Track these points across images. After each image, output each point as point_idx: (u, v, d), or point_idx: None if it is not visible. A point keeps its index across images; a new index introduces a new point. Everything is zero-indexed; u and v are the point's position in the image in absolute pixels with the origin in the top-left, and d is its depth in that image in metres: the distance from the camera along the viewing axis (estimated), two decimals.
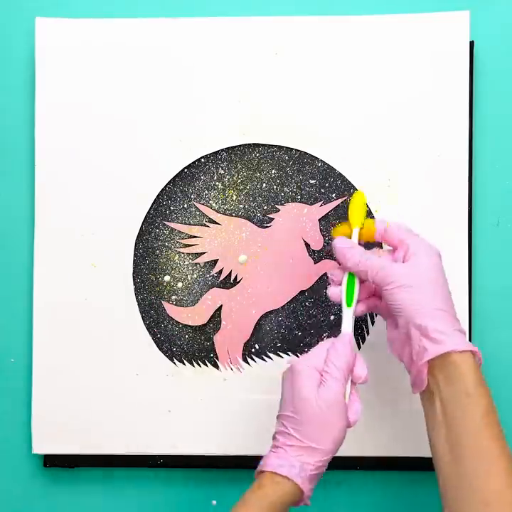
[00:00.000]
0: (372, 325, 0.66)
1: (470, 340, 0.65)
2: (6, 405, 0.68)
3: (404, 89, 0.66)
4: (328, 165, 0.66)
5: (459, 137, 0.65)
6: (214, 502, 0.67)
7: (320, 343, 0.56)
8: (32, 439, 0.66)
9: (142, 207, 0.67)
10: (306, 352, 0.56)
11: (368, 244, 0.58)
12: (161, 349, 0.67)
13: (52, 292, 0.66)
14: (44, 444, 0.66)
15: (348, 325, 0.55)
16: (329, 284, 0.58)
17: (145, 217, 0.67)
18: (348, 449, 0.65)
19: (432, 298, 0.52)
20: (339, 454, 0.65)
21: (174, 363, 0.67)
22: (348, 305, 0.56)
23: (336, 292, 0.56)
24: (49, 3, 0.68)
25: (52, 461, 0.67)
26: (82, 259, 0.66)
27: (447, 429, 0.51)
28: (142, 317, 0.67)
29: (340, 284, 0.56)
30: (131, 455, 0.66)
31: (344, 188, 0.66)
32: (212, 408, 0.66)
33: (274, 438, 0.54)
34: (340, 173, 0.66)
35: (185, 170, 0.67)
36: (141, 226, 0.67)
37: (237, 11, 0.67)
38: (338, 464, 0.66)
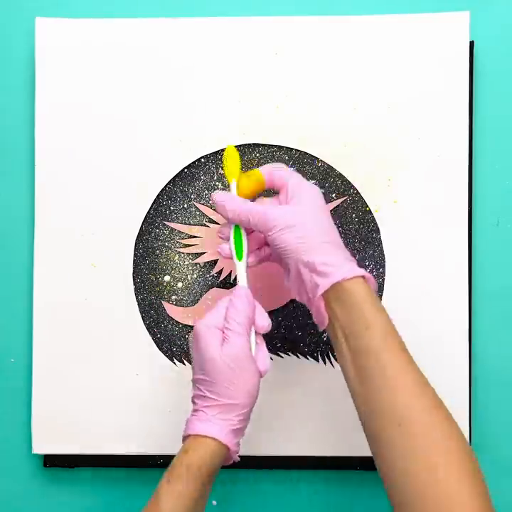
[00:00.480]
0: None
1: (469, 341, 0.65)
2: (6, 405, 0.68)
3: (404, 89, 0.66)
4: (328, 165, 0.66)
5: (459, 137, 0.66)
6: (214, 502, 0.67)
7: (218, 301, 0.55)
8: (32, 439, 0.66)
9: (142, 207, 0.67)
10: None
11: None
12: (161, 349, 0.67)
13: (52, 292, 0.66)
14: (44, 444, 0.66)
15: (242, 278, 0.56)
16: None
17: (145, 217, 0.67)
18: (349, 449, 0.66)
19: (315, 233, 0.52)
20: (339, 454, 0.66)
21: (174, 363, 0.67)
22: (239, 258, 0.56)
23: (225, 248, 0.56)
24: (49, 3, 0.68)
25: (52, 461, 0.67)
26: (82, 259, 0.66)
27: (352, 355, 0.51)
28: (142, 317, 0.67)
29: (229, 240, 0.56)
30: (131, 455, 0.66)
31: (344, 188, 0.66)
32: None
33: (192, 402, 0.54)
34: (340, 173, 0.66)
35: (185, 170, 0.67)
36: (141, 226, 0.67)
37: (237, 11, 0.67)
38: (338, 464, 0.67)
